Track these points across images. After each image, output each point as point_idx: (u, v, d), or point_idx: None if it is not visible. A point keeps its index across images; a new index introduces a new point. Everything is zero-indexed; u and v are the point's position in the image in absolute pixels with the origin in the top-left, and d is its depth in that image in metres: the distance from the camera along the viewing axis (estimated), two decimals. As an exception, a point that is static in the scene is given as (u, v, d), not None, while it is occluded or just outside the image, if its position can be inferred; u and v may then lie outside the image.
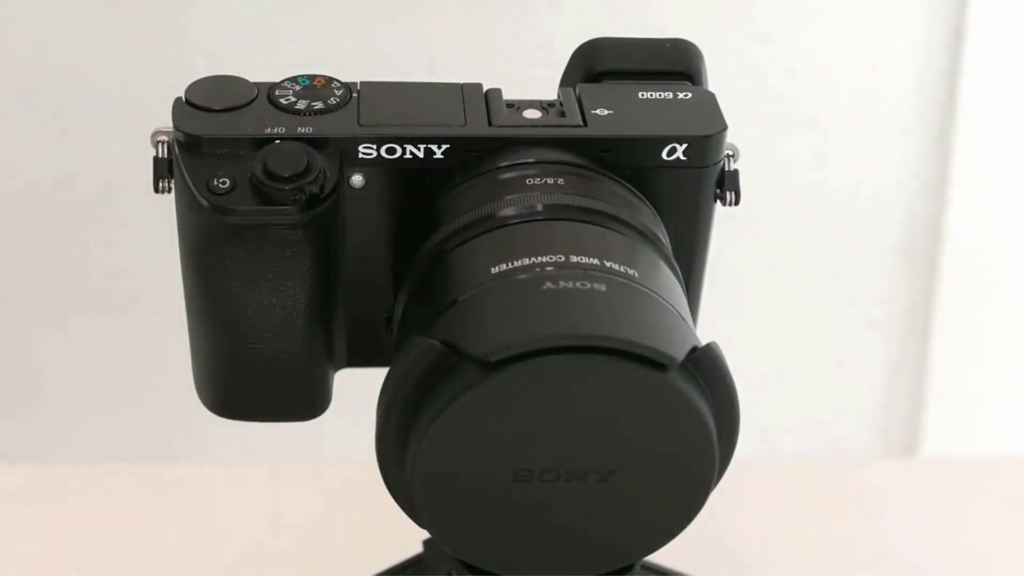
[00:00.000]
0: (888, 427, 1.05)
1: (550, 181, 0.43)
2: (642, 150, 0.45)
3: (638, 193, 0.45)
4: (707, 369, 0.38)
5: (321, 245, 0.44)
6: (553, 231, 0.42)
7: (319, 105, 0.45)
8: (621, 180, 0.45)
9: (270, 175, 0.42)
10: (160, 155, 0.45)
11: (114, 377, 0.99)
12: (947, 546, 0.69)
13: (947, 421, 1.03)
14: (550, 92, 0.47)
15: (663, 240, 0.44)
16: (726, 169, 0.46)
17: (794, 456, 1.01)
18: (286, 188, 0.42)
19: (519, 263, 0.39)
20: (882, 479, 0.76)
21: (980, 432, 1.04)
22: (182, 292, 0.46)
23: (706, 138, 0.45)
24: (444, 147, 0.44)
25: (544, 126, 0.45)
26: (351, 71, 0.47)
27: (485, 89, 0.47)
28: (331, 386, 0.48)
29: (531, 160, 0.44)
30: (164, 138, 0.45)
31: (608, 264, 0.40)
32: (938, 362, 1.01)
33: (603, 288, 0.38)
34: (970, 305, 1.00)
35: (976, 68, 0.92)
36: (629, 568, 0.42)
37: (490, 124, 0.45)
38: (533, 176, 0.43)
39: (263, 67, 0.48)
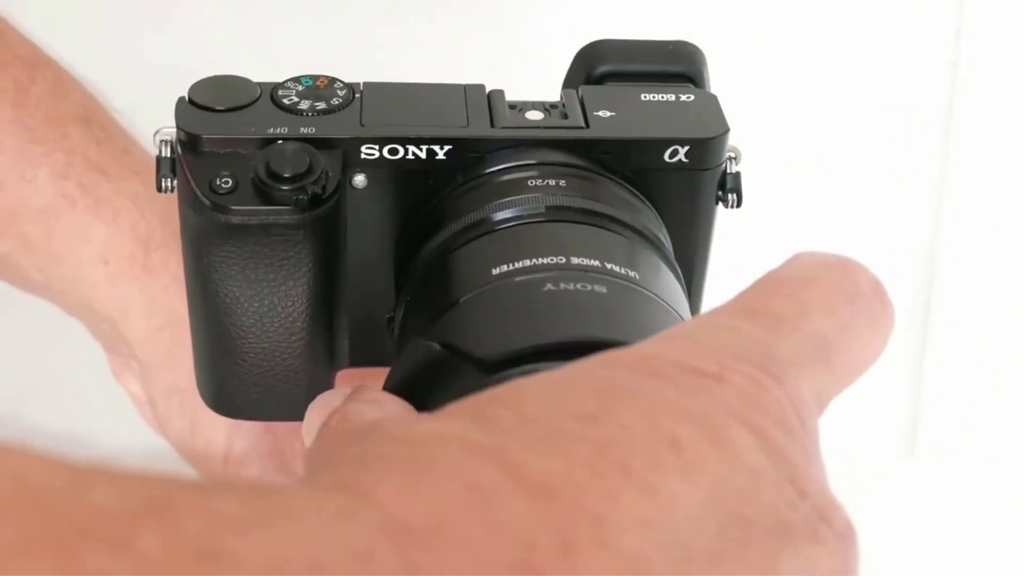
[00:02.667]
0: (888, 427, 1.05)
1: (552, 183, 0.43)
2: (644, 152, 0.45)
3: (640, 195, 0.45)
4: (707, 371, 0.38)
5: (323, 245, 0.44)
6: (554, 233, 0.42)
7: (322, 105, 0.45)
8: (623, 182, 0.45)
9: (272, 175, 0.42)
10: (163, 154, 0.45)
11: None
12: (946, 546, 0.69)
13: (946, 421, 1.03)
14: (553, 94, 0.47)
15: (664, 242, 0.44)
16: (728, 171, 0.46)
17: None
18: (288, 188, 0.42)
19: (520, 264, 0.39)
20: (882, 479, 0.76)
21: (979, 432, 1.03)
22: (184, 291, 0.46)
23: (708, 140, 0.45)
24: (446, 148, 0.44)
25: (546, 128, 0.45)
26: (354, 71, 0.47)
27: (488, 90, 0.47)
28: (332, 386, 0.48)
29: (533, 162, 0.44)
30: (167, 137, 0.45)
31: (609, 266, 0.39)
32: (938, 362, 1.01)
33: (604, 290, 0.38)
34: (970, 305, 0.99)
35: (977, 68, 0.92)
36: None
37: (492, 125, 0.45)
38: (535, 178, 0.43)
39: (266, 67, 0.48)
